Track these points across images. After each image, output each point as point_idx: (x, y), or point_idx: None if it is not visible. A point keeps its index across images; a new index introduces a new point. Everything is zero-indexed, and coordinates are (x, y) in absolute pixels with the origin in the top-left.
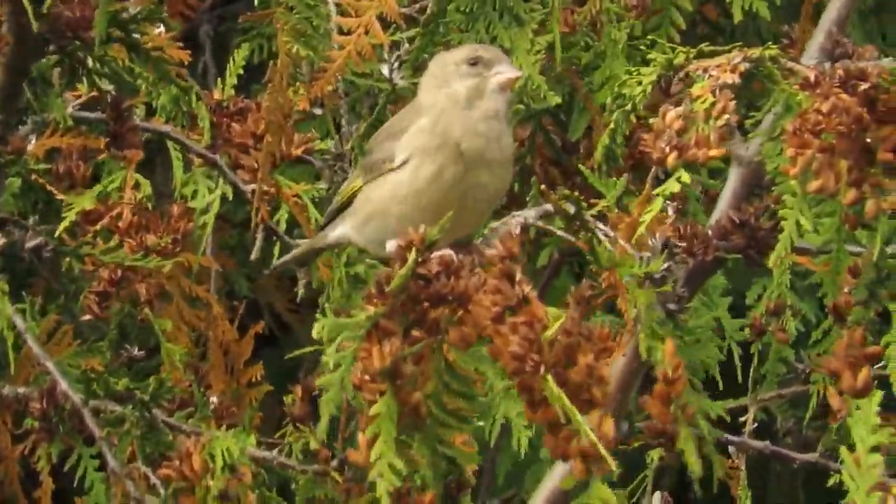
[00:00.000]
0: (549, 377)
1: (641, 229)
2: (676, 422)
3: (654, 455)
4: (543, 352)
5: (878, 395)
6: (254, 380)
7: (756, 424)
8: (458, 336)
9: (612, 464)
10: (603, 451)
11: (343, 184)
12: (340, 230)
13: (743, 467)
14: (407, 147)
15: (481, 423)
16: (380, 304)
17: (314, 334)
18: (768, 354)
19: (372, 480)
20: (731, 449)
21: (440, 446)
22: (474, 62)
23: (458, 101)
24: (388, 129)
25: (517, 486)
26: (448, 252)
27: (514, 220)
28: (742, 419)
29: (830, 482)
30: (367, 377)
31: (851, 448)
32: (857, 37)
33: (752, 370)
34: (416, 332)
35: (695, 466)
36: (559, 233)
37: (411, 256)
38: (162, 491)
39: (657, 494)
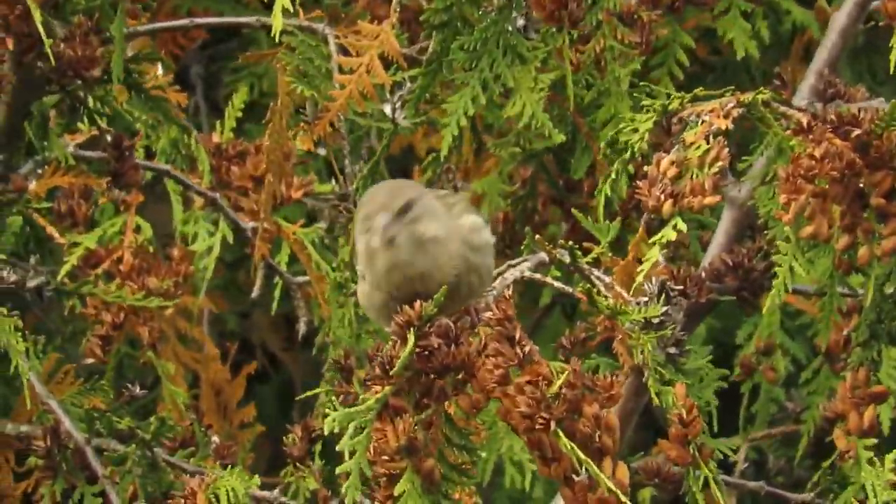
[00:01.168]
0: (561, 433)
1: (640, 278)
2: (694, 464)
3: (646, 494)
4: (551, 408)
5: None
6: (246, 421)
7: (747, 464)
8: (467, 403)
9: None
10: (624, 499)
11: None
12: None
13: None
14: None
15: (483, 454)
16: (386, 385)
17: (325, 431)
18: (758, 394)
19: None
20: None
21: (445, 501)
22: (366, 218)
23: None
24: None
25: None
26: (444, 321)
27: (510, 274)
28: (733, 459)
29: None
30: (385, 458)
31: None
32: (846, 75)
33: (742, 409)
34: (424, 401)
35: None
36: (555, 284)
37: (411, 337)
38: None
39: None
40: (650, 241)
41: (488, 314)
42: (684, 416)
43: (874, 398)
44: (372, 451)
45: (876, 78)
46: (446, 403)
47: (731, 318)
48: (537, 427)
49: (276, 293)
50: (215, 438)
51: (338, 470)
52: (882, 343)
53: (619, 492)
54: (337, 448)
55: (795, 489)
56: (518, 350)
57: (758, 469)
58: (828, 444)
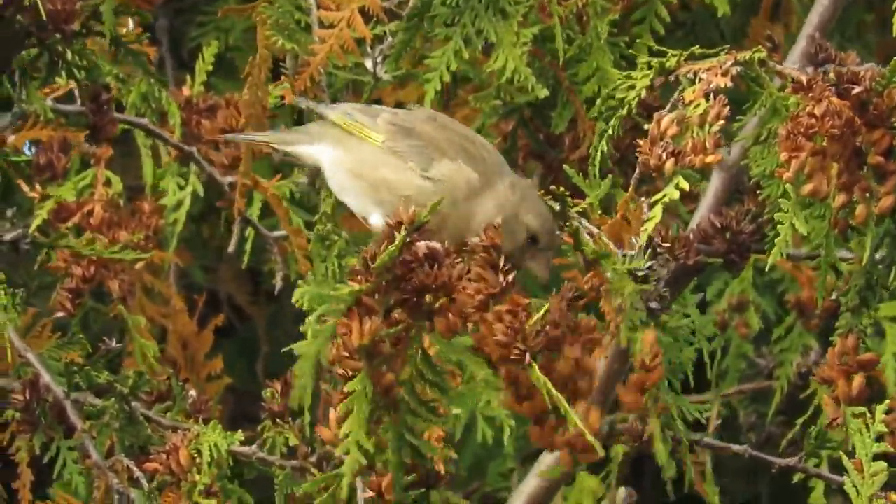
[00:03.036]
0: (535, 366)
1: (644, 238)
2: (647, 414)
3: (620, 450)
4: (528, 340)
5: (886, 403)
6: (213, 373)
7: (719, 420)
8: (443, 325)
9: (600, 451)
10: (591, 440)
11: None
12: (323, 153)
13: (708, 462)
14: (441, 173)
15: (458, 412)
16: (364, 281)
17: (293, 299)
18: (730, 351)
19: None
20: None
21: (408, 435)
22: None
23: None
24: (433, 135)
25: (480, 480)
26: (435, 243)
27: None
28: (706, 415)
29: (795, 478)
30: (345, 353)
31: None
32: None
33: (714, 366)
34: (397, 314)
35: (669, 469)
36: None
37: (399, 235)
38: (146, 484)
39: (622, 489)
40: (652, 200)
41: (475, 240)
42: (647, 361)
43: (862, 366)
44: (335, 350)
45: (845, 35)
46: (423, 329)
47: (704, 275)
48: (512, 357)
49: (248, 247)
50: (192, 393)
51: (294, 349)
52: (872, 310)
53: (588, 433)
54: (301, 329)
55: (766, 445)
56: (501, 278)
57: (729, 426)
58: (800, 400)
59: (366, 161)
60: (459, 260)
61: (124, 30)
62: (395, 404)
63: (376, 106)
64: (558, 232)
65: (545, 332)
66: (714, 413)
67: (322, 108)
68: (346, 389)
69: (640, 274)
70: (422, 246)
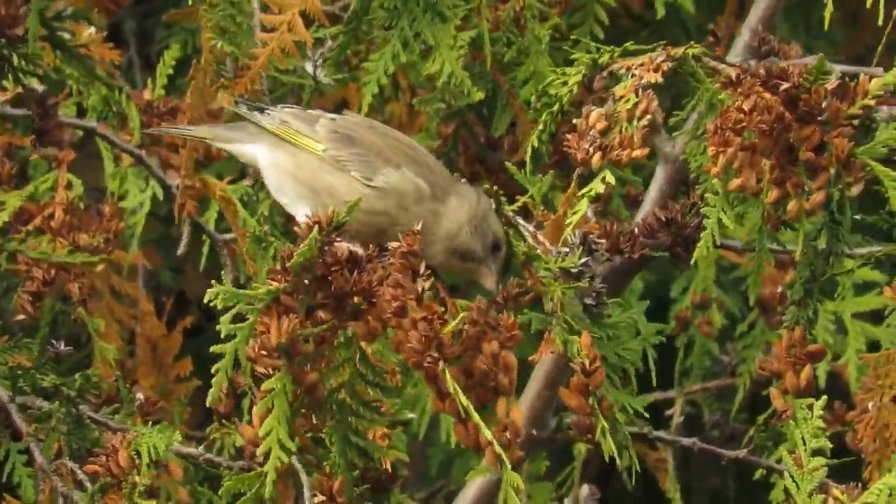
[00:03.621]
0: (447, 372)
1: (568, 231)
2: (593, 414)
3: (582, 448)
4: (443, 347)
5: (823, 399)
6: (182, 375)
7: (683, 417)
8: (363, 329)
9: (520, 452)
10: (498, 449)
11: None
12: (260, 154)
13: (670, 459)
14: (385, 181)
15: (412, 416)
16: (283, 281)
17: (206, 299)
18: (692, 348)
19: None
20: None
21: (353, 436)
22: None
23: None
24: (378, 145)
25: (447, 478)
26: (357, 246)
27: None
28: (669, 412)
29: (757, 475)
30: (263, 352)
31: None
32: (783, 29)
33: (677, 363)
34: (322, 315)
35: (618, 460)
36: None
37: (313, 234)
38: (89, 486)
39: (585, 486)
40: (578, 194)
41: (394, 244)
42: (587, 365)
43: (811, 357)
44: (255, 349)
45: (811, 31)
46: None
47: (666, 272)
48: (426, 364)
49: (205, 249)
50: (140, 395)
51: (211, 349)
52: (817, 301)
53: (494, 441)
54: (217, 327)
55: (731, 442)
56: (419, 285)
57: (693, 423)
58: (763, 397)
59: (305, 167)
60: (381, 264)
61: (85, 33)
62: (320, 404)
63: (313, 111)
64: None
65: (465, 332)
66: (677, 410)
67: (257, 116)
68: (264, 388)
69: (574, 271)
70: (343, 247)
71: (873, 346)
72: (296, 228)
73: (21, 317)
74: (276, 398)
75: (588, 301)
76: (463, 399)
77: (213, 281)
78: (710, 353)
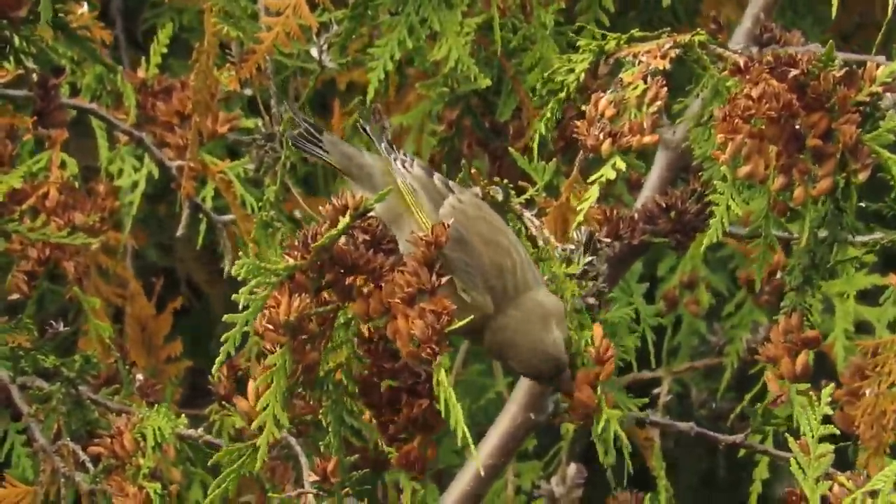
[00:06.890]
0: (442, 370)
1: (580, 217)
2: (599, 408)
3: (570, 427)
4: (442, 344)
5: (831, 386)
6: (173, 356)
7: (670, 396)
8: (362, 308)
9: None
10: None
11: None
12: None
13: (657, 439)
14: (472, 299)
15: None
16: (300, 258)
17: (233, 272)
18: (680, 327)
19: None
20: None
21: (347, 417)
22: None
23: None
24: (480, 251)
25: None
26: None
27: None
28: (656, 391)
29: (742, 453)
30: (270, 326)
31: (791, 432)
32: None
33: (665, 342)
34: (326, 295)
35: (609, 457)
36: None
37: (343, 220)
38: (91, 468)
39: (572, 465)
40: (589, 180)
41: (420, 233)
42: (600, 353)
43: (807, 343)
44: (262, 322)
45: (797, 10)
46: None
47: (654, 252)
48: (424, 356)
49: (202, 229)
50: (140, 376)
51: (227, 318)
52: (816, 288)
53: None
54: (234, 296)
55: (718, 421)
56: (434, 278)
57: (680, 402)
58: (750, 377)
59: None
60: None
61: (79, 12)
62: (314, 383)
63: (439, 182)
64: None
65: None
66: (665, 389)
67: (395, 166)
68: (267, 363)
69: (579, 272)
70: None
71: (860, 326)
72: (321, 209)
73: (15, 296)
74: (276, 374)
75: (590, 300)
76: (453, 402)
77: (239, 255)
78: (697, 332)
